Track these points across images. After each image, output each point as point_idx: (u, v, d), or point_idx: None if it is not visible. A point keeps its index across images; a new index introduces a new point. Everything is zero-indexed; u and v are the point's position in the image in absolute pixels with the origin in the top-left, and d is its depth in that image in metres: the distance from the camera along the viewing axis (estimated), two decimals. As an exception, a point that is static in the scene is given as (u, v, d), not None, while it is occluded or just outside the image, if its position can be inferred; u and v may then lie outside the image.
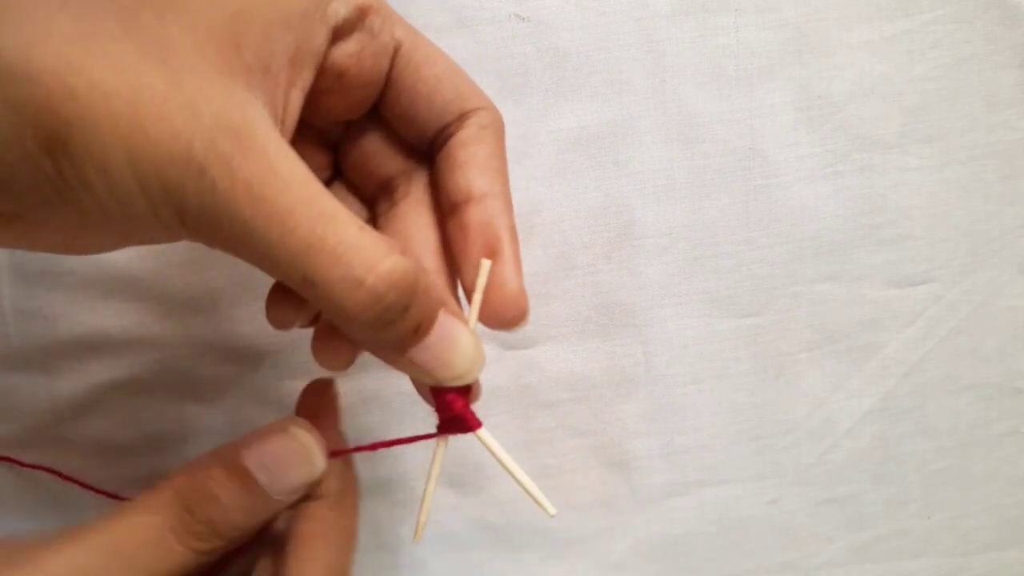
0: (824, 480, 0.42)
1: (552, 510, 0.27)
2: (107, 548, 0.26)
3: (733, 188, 0.39)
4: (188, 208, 0.21)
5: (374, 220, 0.29)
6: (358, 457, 0.30)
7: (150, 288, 0.37)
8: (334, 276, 0.22)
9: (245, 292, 0.37)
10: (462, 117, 0.27)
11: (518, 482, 0.27)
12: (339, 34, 0.25)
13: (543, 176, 0.38)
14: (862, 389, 0.41)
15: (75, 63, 0.20)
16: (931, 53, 0.38)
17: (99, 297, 0.37)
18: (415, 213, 0.28)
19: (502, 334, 0.39)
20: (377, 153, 0.29)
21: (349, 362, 0.28)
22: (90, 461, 0.38)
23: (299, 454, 0.28)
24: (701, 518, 0.42)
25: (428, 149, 0.28)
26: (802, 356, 0.41)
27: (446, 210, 0.28)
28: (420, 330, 0.24)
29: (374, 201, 0.30)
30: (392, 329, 0.24)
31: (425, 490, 0.28)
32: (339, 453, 0.29)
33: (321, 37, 0.24)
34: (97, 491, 0.38)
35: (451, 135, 0.27)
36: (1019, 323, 0.42)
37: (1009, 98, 0.39)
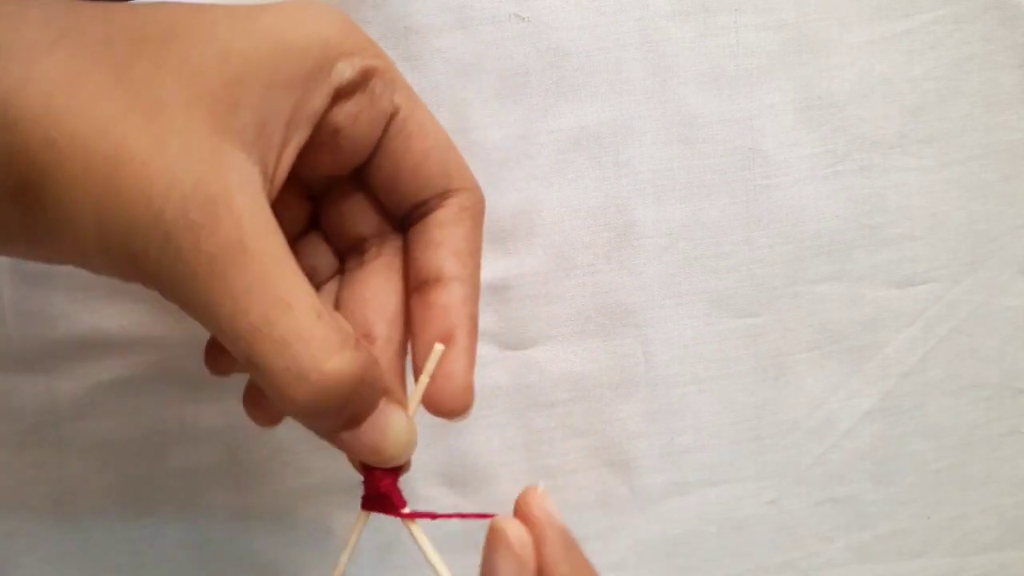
0: (824, 480, 0.42)
1: None
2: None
3: (733, 188, 0.39)
4: (147, 271, 0.21)
5: (343, 273, 0.29)
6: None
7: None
8: (278, 365, 0.21)
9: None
10: (444, 195, 0.27)
11: (436, 572, 0.27)
12: (340, 95, 0.24)
13: (543, 176, 0.38)
14: (862, 389, 0.41)
15: (58, 112, 0.20)
16: (931, 53, 0.38)
17: (99, 297, 0.37)
18: (382, 277, 0.28)
19: (503, 332, 0.39)
20: (354, 213, 0.28)
21: (279, 419, 0.27)
22: (90, 461, 0.38)
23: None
24: (701, 518, 0.42)
25: (405, 217, 0.28)
26: (802, 356, 0.41)
27: (413, 284, 0.27)
28: (354, 421, 0.24)
29: (347, 254, 0.29)
30: (326, 420, 0.23)
31: (340, 561, 0.27)
32: None
33: (322, 98, 0.24)
34: None
35: (430, 211, 0.27)
36: (1019, 323, 0.42)
37: (1009, 98, 0.39)
